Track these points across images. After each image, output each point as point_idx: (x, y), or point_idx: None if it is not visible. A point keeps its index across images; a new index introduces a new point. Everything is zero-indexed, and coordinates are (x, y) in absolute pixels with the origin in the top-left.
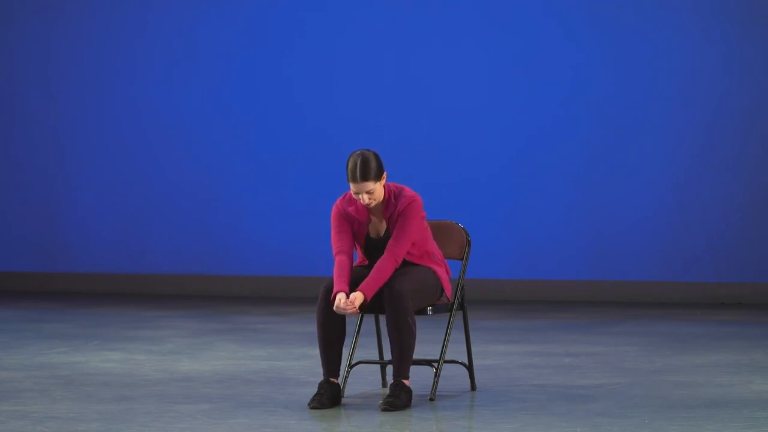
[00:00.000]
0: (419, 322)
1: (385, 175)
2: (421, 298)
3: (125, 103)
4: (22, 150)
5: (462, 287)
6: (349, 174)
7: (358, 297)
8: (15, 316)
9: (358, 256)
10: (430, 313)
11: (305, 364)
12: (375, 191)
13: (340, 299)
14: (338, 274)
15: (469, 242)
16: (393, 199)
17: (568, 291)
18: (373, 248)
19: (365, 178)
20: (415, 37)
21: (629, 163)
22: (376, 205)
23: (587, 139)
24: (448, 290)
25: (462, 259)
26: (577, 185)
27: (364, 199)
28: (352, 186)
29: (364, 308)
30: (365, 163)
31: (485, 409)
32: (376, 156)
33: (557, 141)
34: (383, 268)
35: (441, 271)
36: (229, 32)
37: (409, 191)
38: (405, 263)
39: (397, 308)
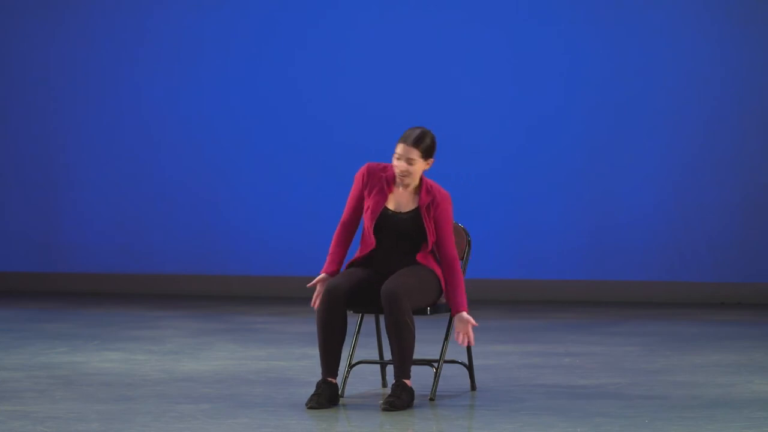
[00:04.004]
0: (419, 322)
1: (431, 161)
2: (419, 297)
3: (125, 102)
4: (22, 150)
5: None
6: (403, 135)
7: (469, 320)
8: (15, 316)
9: (364, 240)
10: (429, 313)
11: (305, 364)
12: (415, 165)
13: (319, 283)
14: (333, 251)
15: (469, 242)
16: (430, 188)
17: (568, 291)
18: (385, 223)
19: (416, 144)
20: (414, 36)
21: (629, 164)
22: (409, 183)
23: (587, 140)
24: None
25: (462, 259)
26: (577, 185)
27: (402, 165)
28: (397, 147)
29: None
30: (423, 134)
31: (485, 409)
32: (434, 138)
33: (557, 141)
34: (455, 273)
35: (438, 269)
36: (232, 28)
37: (442, 189)
38: (413, 262)
39: (392, 308)
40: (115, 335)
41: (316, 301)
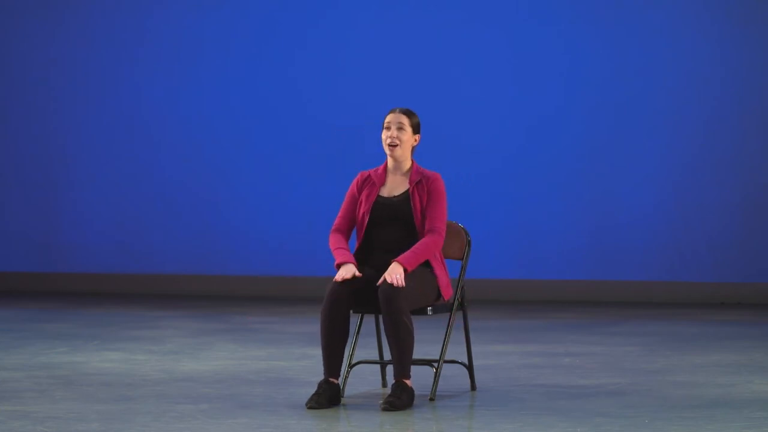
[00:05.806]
0: (419, 322)
1: (418, 138)
2: (416, 298)
3: (125, 102)
4: (22, 150)
5: (462, 287)
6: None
7: (397, 272)
8: (15, 316)
9: (357, 239)
10: (430, 313)
11: (305, 364)
12: (405, 133)
13: (349, 271)
14: (339, 246)
15: (469, 242)
16: (421, 170)
17: (568, 291)
18: (382, 208)
19: (404, 113)
20: (414, 36)
21: (629, 164)
22: (398, 154)
23: (587, 140)
24: (447, 291)
25: (462, 259)
26: (577, 185)
27: (393, 132)
28: (387, 117)
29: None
30: (410, 108)
31: (485, 409)
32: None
33: (557, 141)
34: (428, 243)
35: (440, 272)
36: (232, 28)
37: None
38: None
39: (390, 309)
40: (115, 335)
41: (340, 276)
